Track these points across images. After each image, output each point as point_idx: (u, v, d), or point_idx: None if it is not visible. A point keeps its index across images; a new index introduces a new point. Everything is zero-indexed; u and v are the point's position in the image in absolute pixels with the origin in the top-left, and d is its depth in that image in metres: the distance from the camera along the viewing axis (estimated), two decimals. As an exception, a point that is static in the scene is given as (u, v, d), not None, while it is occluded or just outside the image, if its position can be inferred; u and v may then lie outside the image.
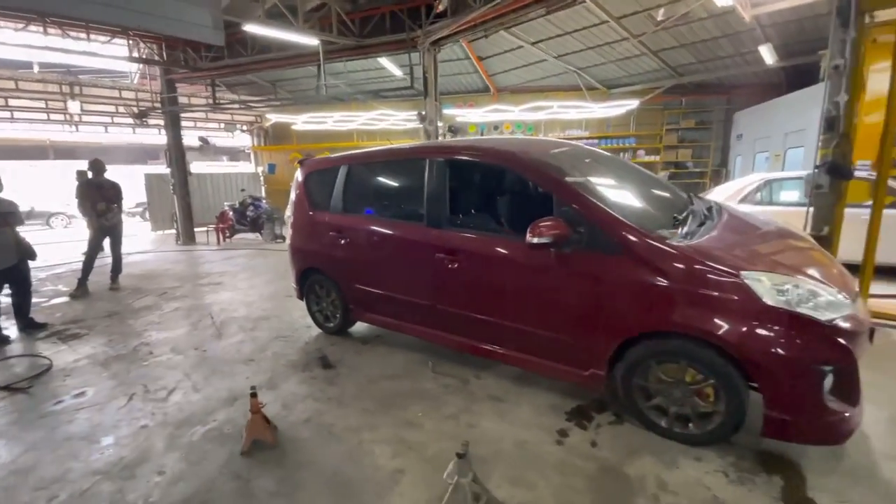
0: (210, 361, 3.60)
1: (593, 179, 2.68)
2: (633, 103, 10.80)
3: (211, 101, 9.78)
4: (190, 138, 13.09)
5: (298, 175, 4.09)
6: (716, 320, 2.07)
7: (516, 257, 2.64)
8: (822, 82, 4.65)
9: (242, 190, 12.29)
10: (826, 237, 4.08)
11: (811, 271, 2.19)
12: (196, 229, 11.03)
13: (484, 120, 11.38)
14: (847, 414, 2.02)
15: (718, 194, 6.78)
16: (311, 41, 7.55)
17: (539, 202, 2.60)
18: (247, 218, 10.33)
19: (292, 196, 4.13)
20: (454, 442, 2.37)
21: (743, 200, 6.40)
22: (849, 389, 2.04)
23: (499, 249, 2.73)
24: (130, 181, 16.76)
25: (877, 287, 4.43)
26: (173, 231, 11.05)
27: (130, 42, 9.11)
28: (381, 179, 3.64)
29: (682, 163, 12.51)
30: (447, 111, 11.98)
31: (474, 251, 2.84)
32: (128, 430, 2.65)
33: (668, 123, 12.44)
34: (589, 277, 2.40)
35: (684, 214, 2.62)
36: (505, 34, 9.90)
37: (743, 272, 2.06)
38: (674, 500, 1.95)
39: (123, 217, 6.19)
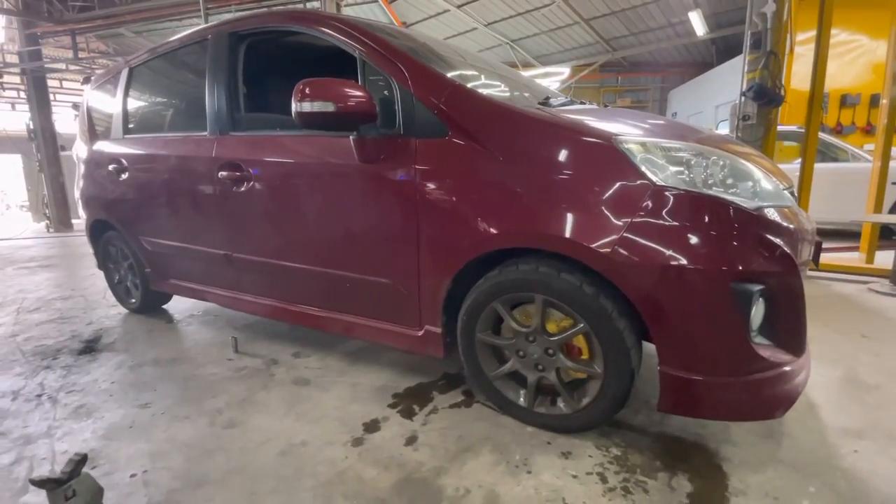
0: (-82, 354, 2.43)
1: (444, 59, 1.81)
2: (565, 71, 10.27)
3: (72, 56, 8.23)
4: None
5: (83, 99, 2.99)
6: (573, 219, 1.24)
7: (316, 159, 1.74)
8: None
9: None
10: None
11: (739, 152, 1.39)
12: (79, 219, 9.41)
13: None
14: (787, 367, 1.23)
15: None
16: (185, -19, 6.36)
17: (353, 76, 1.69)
18: None
19: (78, 129, 3.03)
20: (174, 458, 1.42)
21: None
22: (790, 326, 1.25)
23: (293, 152, 1.81)
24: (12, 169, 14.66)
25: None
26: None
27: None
28: (166, 81, 2.57)
29: (620, 143, 12.19)
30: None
31: (264, 161, 1.90)
32: None
33: (604, 102, 12.07)
34: (402, 177, 1.51)
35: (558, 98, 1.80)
36: (427, -5, 9.08)
37: (617, 137, 1.24)
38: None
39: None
